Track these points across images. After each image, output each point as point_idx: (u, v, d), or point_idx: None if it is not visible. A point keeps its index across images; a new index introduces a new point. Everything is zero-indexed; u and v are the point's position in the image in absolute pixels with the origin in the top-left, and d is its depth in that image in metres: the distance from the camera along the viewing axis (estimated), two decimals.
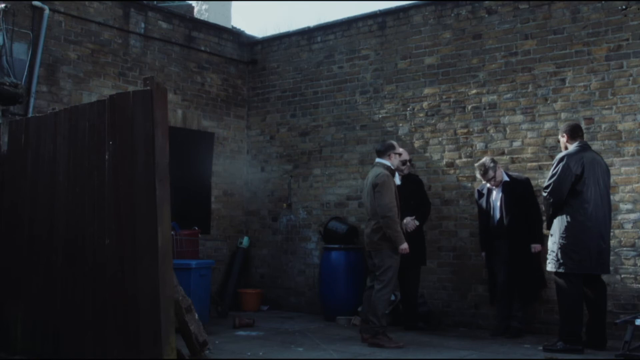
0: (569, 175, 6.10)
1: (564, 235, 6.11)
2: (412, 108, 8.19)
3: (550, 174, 6.28)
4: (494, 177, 6.95)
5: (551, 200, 6.20)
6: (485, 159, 7.07)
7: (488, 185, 7.08)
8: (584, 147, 6.26)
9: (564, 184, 6.11)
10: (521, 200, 6.91)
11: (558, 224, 6.19)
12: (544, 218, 6.72)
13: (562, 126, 6.58)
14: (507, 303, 6.92)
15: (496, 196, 7.04)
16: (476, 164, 7.23)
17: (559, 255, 6.11)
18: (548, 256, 6.27)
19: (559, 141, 6.60)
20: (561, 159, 6.18)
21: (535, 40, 7.33)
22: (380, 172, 6.61)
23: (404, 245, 6.47)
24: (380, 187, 6.50)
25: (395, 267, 6.56)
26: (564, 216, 6.15)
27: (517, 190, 6.95)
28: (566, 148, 6.35)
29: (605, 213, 6.17)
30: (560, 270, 6.11)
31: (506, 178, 7.03)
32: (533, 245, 6.87)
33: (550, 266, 6.24)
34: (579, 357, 5.86)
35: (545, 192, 6.29)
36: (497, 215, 7.00)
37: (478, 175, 7.16)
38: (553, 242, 6.22)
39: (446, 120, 7.92)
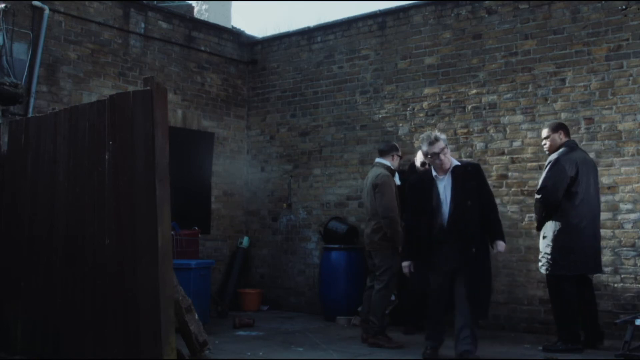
0: (564, 178, 6.04)
1: (559, 237, 6.06)
2: (412, 108, 8.19)
3: (543, 176, 6.17)
4: (442, 159, 5.58)
5: (546, 202, 6.14)
6: (435, 131, 6.04)
7: (434, 173, 5.70)
8: (573, 147, 6.22)
9: (559, 186, 6.04)
10: (475, 190, 5.60)
11: (552, 226, 6.12)
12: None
13: (550, 125, 6.38)
14: (442, 318, 5.76)
15: (444, 188, 5.63)
16: (422, 135, 5.87)
17: (554, 256, 6.06)
18: (541, 258, 6.21)
19: (546, 137, 6.32)
20: (556, 161, 6.12)
21: (535, 40, 7.33)
22: (381, 172, 6.62)
23: None
24: (380, 188, 6.51)
25: (396, 267, 6.56)
26: (559, 217, 6.09)
27: (468, 178, 5.61)
28: (557, 146, 6.26)
29: (597, 213, 6.17)
30: (556, 271, 6.08)
31: (456, 163, 5.69)
32: (498, 243, 5.63)
33: (544, 268, 6.18)
34: (578, 356, 5.86)
35: (538, 194, 6.22)
36: (447, 210, 5.58)
37: (423, 149, 5.73)
38: (547, 245, 6.14)
39: (446, 120, 7.91)
